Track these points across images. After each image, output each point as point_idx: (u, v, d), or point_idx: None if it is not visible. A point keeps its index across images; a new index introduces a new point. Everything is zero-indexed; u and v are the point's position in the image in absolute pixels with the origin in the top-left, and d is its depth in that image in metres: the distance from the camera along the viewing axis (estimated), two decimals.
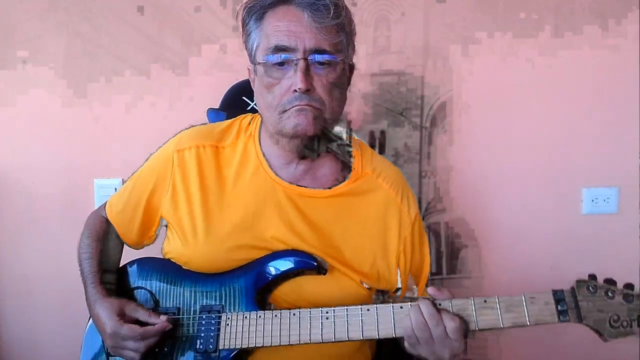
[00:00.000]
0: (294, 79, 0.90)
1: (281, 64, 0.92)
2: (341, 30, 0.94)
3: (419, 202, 1.72)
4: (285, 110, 0.93)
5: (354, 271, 0.99)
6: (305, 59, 0.90)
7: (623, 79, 1.67)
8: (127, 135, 1.70)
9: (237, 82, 1.45)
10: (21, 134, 1.71)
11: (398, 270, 1.03)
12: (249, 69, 1.02)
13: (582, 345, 1.74)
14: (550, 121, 1.69)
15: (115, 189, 1.70)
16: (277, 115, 0.94)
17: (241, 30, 0.99)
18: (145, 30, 1.67)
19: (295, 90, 0.91)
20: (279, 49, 0.91)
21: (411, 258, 1.05)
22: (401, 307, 0.87)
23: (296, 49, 0.90)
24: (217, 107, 1.43)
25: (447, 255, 1.74)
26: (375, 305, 0.89)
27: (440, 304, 0.85)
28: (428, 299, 0.86)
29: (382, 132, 1.71)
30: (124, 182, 1.68)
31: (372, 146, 1.69)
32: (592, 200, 1.69)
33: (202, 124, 1.15)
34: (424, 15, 1.67)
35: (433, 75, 1.69)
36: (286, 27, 0.91)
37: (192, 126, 1.12)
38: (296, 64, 0.90)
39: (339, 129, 1.05)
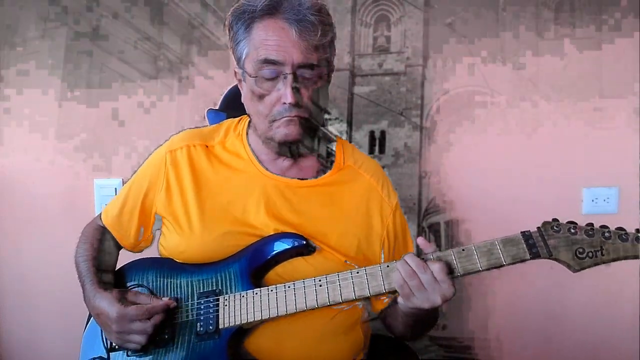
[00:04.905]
0: (283, 92, 0.96)
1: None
2: (328, 45, 0.99)
3: (419, 202, 1.72)
4: (275, 120, 0.99)
5: (341, 255, 1.04)
6: (294, 73, 0.95)
7: (623, 79, 1.67)
8: (127, 135, 1.71)
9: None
10: (21, 134, 1.71)
11: (382, 255, 1.08)
12: (235, 71, 1.06)
13: (583, 348, 1.74)
14: (550, 121, 1.69)
15: (116, 189, 1.70)
16: (267, 124, 1.00)
17: (228, 35, 1.02)
18: (145, 31, 1.68)
19: (284, 103, 0.96)
20: (268, 61, 0.95)
21: (395, 244, 1.11)
22: (387, 266, 0.94)
23: (284, 63, 0.95)
24: (217, 108, 1.44)
25: None
26: (364, 268, 0.95)
27: (423, 257, 0.92)
28: (412, 253, 0.92)
29: (382, 132, 1.71)
30: (124, 182, 1.69)
31: (372, 146, 1.71)
32: (592, 200, 1.69)
33: (196, 127, 1.18)
34: (424, 16, 1.68)
35: (433, 76, 1.69)
36: (275, 42, 0.95)
37: (183, 129, 1.16)
38: (285, 78, 0.95)
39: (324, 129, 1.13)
